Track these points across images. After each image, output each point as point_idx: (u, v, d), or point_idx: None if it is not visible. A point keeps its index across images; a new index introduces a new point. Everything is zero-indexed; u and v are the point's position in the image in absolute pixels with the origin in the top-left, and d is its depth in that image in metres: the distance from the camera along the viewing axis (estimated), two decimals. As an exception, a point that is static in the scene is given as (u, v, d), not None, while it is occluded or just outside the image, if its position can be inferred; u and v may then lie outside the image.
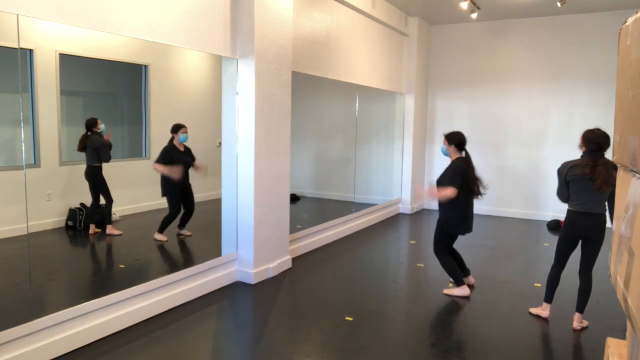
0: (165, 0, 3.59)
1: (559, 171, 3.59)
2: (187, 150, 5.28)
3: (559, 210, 7.62)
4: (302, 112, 7.90)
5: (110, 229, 5.17)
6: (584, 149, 3.50)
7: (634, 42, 1.06)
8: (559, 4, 6.29)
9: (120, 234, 5.25)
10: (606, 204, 3.52)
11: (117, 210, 5.44)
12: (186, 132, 5.17)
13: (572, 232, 3.58)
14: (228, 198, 4.54)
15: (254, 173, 4.37)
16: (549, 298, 3.78)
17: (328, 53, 5.80)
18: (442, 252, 4.33)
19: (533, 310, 3.88)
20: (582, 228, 3.52)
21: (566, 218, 3.63)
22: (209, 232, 5.00)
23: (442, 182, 4.12)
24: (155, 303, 3.68)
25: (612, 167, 3.35)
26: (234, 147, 4.45)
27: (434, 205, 8.65)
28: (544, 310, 3.80)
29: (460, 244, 6.15)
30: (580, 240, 3.60)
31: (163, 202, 6.31)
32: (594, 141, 3.41)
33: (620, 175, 1.27)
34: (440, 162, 8.57)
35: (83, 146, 4.99)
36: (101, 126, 5.13)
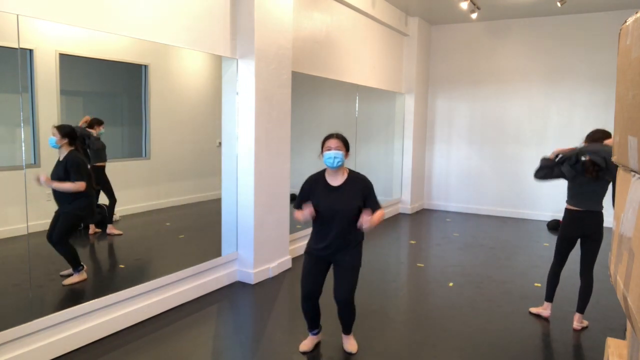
0: (165, 0, 3.59)
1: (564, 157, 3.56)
2: (65, 161, 3.89)
3: (558, 210, 7.62)
4: (302, 112, 7.90)
5: (110, 229, 5.17)
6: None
7: (634, 42, 1.06)
8: (559, 4, 6.29)
9: (120, 234, 5.25)
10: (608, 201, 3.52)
11: (117, 210, 5.43)
12: (54, 135, 3.91)
13: (571, 230, 3.59)
14: (228, 198, 4.54)
15: (254, 173, 4.36)
16: (549, 297, 3.78)
17: (328, 53, 5.79)
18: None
19: (534, 310, 3.88)
20: (581, 226, 3.53)
21: (564, 217, 3.63)
22: (209, 232, 5.00)
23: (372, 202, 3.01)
24: (155, 303, 3.68)
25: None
26: (234, 147, 4.45)
27: (435, 206, 8.65)
28: (545, 310, 3.80)
29: (460, 243, 6.14)
30: (580, 239, 3.60)
31: (163, 203, 6.31)
32: (588, 135, 3.54)
33: (620, 175, 1.27)
34: (440, 162, 8.57)
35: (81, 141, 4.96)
36: (101, 130, 5.10)
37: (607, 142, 3.42)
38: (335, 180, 2.98)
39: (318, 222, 3.00)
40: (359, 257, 3.03)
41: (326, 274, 3.08)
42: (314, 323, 3.21)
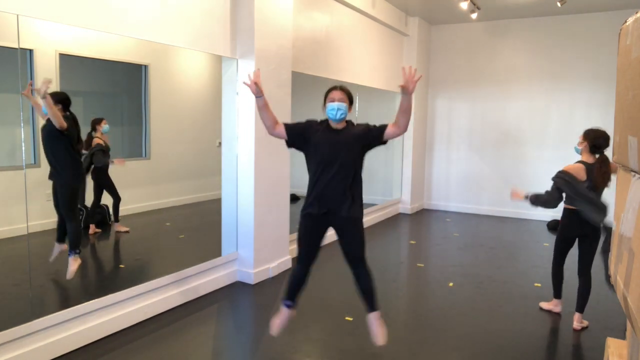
0: (165, 0, 3.59)
1: (564, 180, 3.45)
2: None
3: (558, 210, 7.61)
4: (302, 112, 7.90)
5: (118, 227, 5.26)
6: (585, 144, 3.49)
7: (634, 42, 1.06)
8: (559, 4, 6.28)
9: (128, 231, 5.32)
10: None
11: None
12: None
13: (571, 230, 3.61)
14: (228, 198, 4.54)
15: (254, 173, 4.37)
16: (557, 294, 3.85)
17: (328, 53, 5.79)
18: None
19: (545, 306, 3.94)
20: (580, 226, 3.53)
21: (564, 217, 3.64)
22: (209, 232, 5.00)
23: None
24: (155, 303, 3.68)
25: (608, 164, 3.41)
26: (234, 147, 4.45)
27: (435, 206, 8.65)
28: (555, 306, 3.87)
29: (460, 243, 6.14)
30: (577, 239, 3.61)
31: (163, 203, 6.31)
32: (595, 142, 3.43)
33: (620, 175, 1.27)
34: (440, 162, 8.57)
35: (87, 146, 5.00)
36: (104, 127, 5.12)
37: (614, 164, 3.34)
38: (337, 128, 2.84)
39: (316, 166, 2.80)
40: (360, 209, 2.85)
41: (324, 236, 2.93)
42: (295, 291, 2.98)
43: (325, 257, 5.41)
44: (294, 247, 5.23)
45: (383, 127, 2.79)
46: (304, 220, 2.90)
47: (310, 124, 2.90)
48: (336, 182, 2.76)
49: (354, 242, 2.89)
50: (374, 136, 2.80)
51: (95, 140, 4.99)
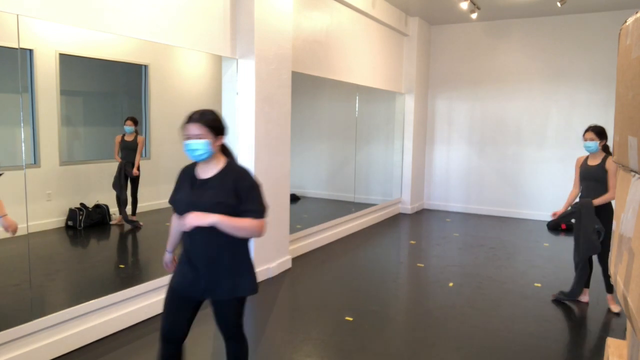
0: (166, 0, 3.59)
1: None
2: None
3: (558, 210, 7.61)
4: (302, 112, 7.90)
5: (118, 220, 5.38)
6: (604, 142, 3.87)
7: (634, 42, 1.06)
8: (559, 4, 6.29)
9: (122, 224, 5.39)
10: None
11: (116, 210, 5.43)
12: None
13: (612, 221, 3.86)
14: (228, 198, 4.54)
15: (254, 173, 4.37)
16: (587, 284, 4.12)
17: (328, 53, 5.79)
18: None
19: (585, 299, 4.15)
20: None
21: (609, 211, 3.86)
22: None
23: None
24: (155, 303, 3.68)
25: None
26: (234, 147, 4.45)
27: (435, 206, 8.65)
28: (584, 296, 4.13)
29: (460, 243, 6.14)
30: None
31: (163, 203, 6.30)
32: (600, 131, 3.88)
33: (620, 175, 1.27)
34: (440, 162, 8.57)
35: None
36: (125, 128, 5.31)
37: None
38: (206, 172, 2.15)
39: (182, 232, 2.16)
40: (244, 284, 2.19)
41: (194, 312, 2.31)
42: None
43: (325, 257, 5.41)
44: (293, 247, 5.24)
45: (249, 211, 2.10)
46: (169, 289, 2.28)
47: (179, 177, 2.28)
48: (204, 251, 2.13)
49: (225, 323, 2.30)
50: (242, 204, 2.10)
51: (117, 137, 5.41)
